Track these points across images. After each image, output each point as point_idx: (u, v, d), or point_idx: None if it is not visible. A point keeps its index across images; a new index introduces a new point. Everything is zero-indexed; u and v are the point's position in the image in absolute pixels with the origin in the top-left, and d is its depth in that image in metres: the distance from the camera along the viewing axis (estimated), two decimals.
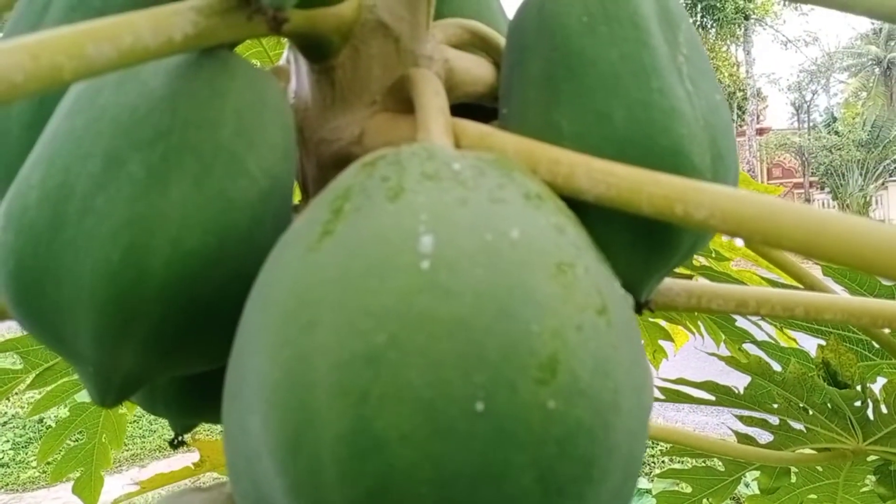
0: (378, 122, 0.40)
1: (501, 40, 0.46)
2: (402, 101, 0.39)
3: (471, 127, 0.36)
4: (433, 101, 0.35)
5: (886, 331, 0.91)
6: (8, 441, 5.87)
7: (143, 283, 0.28)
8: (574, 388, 0.22)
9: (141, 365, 0.30)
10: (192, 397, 0.44)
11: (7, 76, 0.21)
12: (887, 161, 21.86)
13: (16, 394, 1.14)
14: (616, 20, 0.34)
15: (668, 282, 0.44)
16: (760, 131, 23.57)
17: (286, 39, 0.45)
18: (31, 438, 5.87)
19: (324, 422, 0.21)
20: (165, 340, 0.30)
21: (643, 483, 3.90)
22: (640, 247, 0.34)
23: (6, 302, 0.30)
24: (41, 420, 5.99)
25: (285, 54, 0.46)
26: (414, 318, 0.22)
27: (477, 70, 0.46)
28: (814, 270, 0.88)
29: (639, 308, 0.38)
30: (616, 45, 0.34)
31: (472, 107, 0.48)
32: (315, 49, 0.39)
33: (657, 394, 1.18)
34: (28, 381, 1.17)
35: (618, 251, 0.35)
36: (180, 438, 0.52)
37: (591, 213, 0.33)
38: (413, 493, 0.21)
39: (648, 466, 4.69)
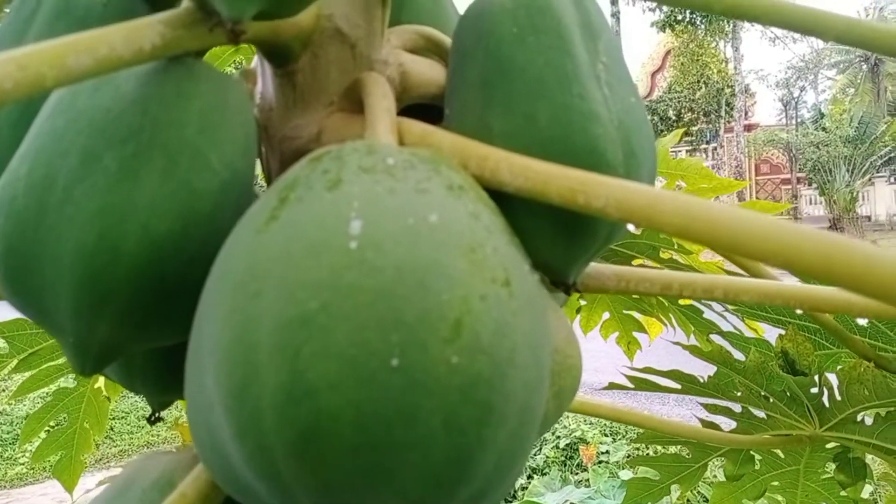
0: (335, 122, 0.44)
1: None
2: (357, 102, 0.43)
3: (414, 126, 0.40)
4: (381, 103, 0.39)
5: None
6: None
7: (116, 262, 0.32)
8: (475, 345, 0.26)
9: (115, 336, 0.35)
10: (167, 374, 0.48)
11: None
12: (874, 157, 22.05)
13: (3, 391, 1.17)
14: (542, 31, 0.38)
15: (600, 266, 0.48)
16: (748, 127, 23.72)
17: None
18: (18, 435, 5.87)
19: (264, 374, 0.26)
20: (137, 313, 0.34)
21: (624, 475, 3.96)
22: (562, 234, 0.39)
23: None
24: (28, 416, 6.00)
25: (255, 58, 0.50)
26: (342, 289, 0.26)
27: (430, 73, 0.50)
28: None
29: (567, 289, 0.43)
30: (542, 53, 0.38)
31: (426, 106, 0.52)
32: (277, 55, 0.43)
33: (626, 382, 1.23)
34: (13, 364, 1.20)
35: (543, 238, 0.39)
36: (157, 415, 0.56)
37: (518, 206, 0.37)
38: (339, 432, 0.25)
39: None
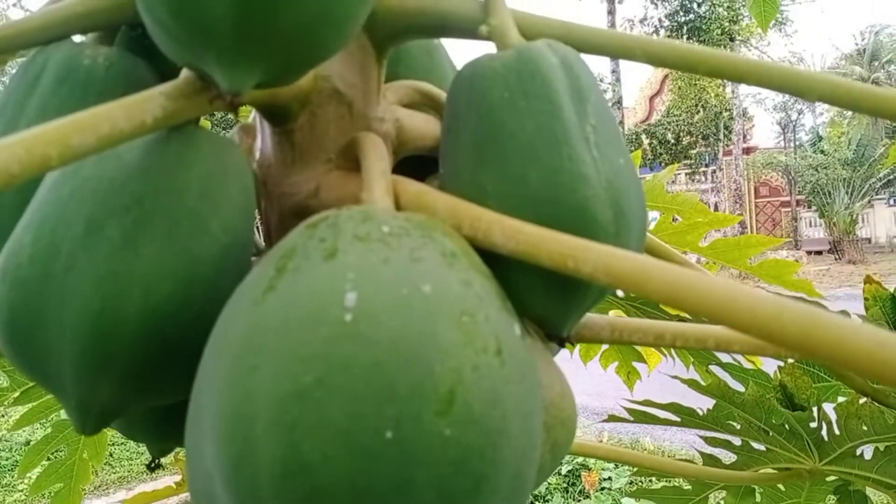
0: (332, 179, 0.45)
1: None
2: (354, 159, 0.44)
3: (409, 186, 0.41)
4: (377, 165, 0.40)
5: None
6: None
7: (118, 328, 0.33)
8: (467, 416, 0.27)
9: (116, 398, 0.35)
10: (166, 424, 0.49)
11: (6, 168, 0.26)
12: (872, 179, 22.12)
13: (2, 416, 1.19)
14: (533, 96, 0.39)
15: (594, 317, 0.49)
16: (747, 150, 23.82)
17: None
18: (17, 462, 5.85)
19: (262, 447, 0.26)
20: (138, 377, 0.35)
21: None
22: (555, 291, 0.40)
23: (0, 343, 0.35)
24: (28, 443, 5.98)
25: (253, 112, 0.52)
26: (337, 362, 0.27)
27: (425, 127, 0.52)
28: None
29: (561, 342, 0.43)
30: (532, 117, 0.39)
31: (423, 157, 0.54)
32: (276, 115, 0.45)
33: (625, 415, 1.23)
34: (14, 397, 1.22)
35: (536, 294, 0.40)
36: (157, 462, 0.57)
37: (512, 263, 0.38)
38: None
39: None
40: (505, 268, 0.37)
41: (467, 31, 0.44)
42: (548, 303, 0.40)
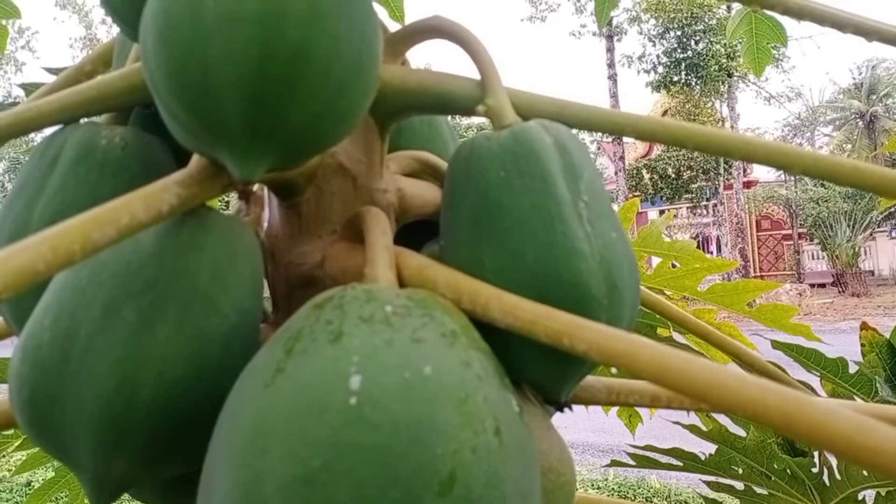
0: (337, 250, 0.47)
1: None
2: (358, 231, 0.46)
3: (411, 259, 0.43)
4: (380, 241, 0.42)
5: None
6: None
7: (133, 408, 0.35)
8: (467, 498, 0.28)
9: (130, 472, 0.37)
10: (172, 487, 0.50)
11: (31, 267, 0.28)
12: (874, 212, 22.17)
13: (3, 456, 1.20)
14: (528, 175, 0.41)
15: (590, 379, 0.50)
16: (748, 184, 23.93)
17: None
18: (18, 502, 5.80)
19: None
20: (151, 452, 0.36)
21: None
22: (553, 359, 0.41)
23: (19, 421, 0.37)
24: (28, 483, 5.93)
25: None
26: (342, 447, 0.28)
27: (427, 194, 0.54)
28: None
29: (559, 407, 0.45)
30: (527, 195, 0.41)
31: (424, 221, 0.55)
32: (283, 189, 0.47)
33: (627, 459, 1.23)
34: (17, 444, 1.23)
35: (534, 362, 0.41)
36: None
37: (510, 333, 0.39)
38: None
39: None
40: (503, 337, 0.39)
41: (465, 108, 0.46)
42: (545, 371, 0.42)
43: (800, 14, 0.66)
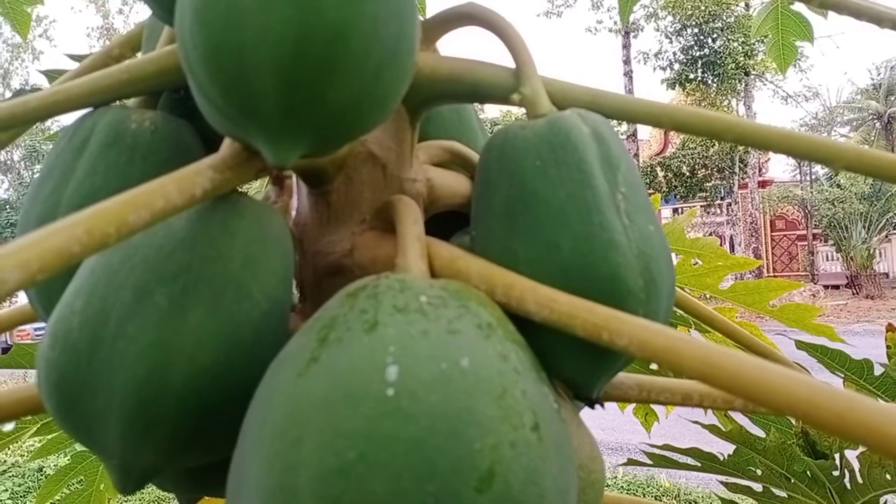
0: (367, 239, 0.46)
1: (477, 157, 0.52)
2: (388, 221, 0.45)
3: (443, 250, 0.42)
4: (411, 230, 0.41)
5: None
6: (7, 490, 5.84)
7: (164, 394, 0.34)
8: (507, 495, 0.28)
9: (158, 460, 0.36)
10: (195, 476, 0.50)
11: (67, 249, 0.27)
12: (890, 214, 21.97)
13: (16, 442, 1.21)
14: (564, 164, 0.40)
15: (621, 376, 0.49)
16: (762, 183, 23.76)
17: None
18: (30, 488, 5.85)
19: None
20: (179, 440, 0.36)
21: None
22: (587, 354, 0.40)
23: (48, 406, 0.36)
24: (41, 469, 5.99)
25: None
26: (379, 438, 0.27)
27: (456, 185, 0.53)
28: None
29: (591, 404, 0.44)
30: (564, 185, 0.40)
31: (453, 213, 0.55)
32: (313, 177, 0.46)
33: (644, 459, 1.22)
34: (34, 429, 1.24)
35: (568, 357, 0.41)
36: None
37: (543, 326, 0.38)
38: None
39: None
40: (536, 331, 0.38)
41: (499, 98, 0.45)
42: (578, 366, 0.41)
43: (836, 7, 0.64)
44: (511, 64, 0.46)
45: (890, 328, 0.99)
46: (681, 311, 0.98)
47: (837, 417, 0.27)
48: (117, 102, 0.47)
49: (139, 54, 0.56)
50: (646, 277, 0.40)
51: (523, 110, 0.44)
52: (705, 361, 0.30)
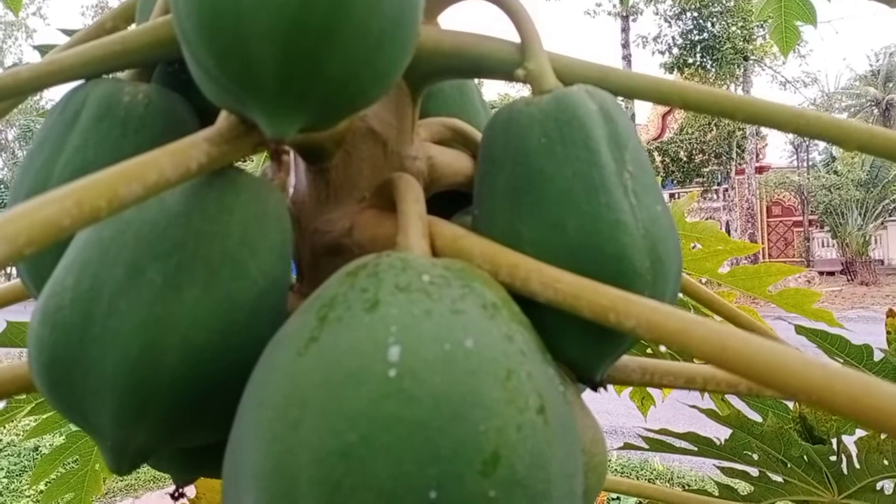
0: (366, 218, 0.45)
1: (479, 135, 0.51)
2: (388, 199, 0.44)
3: (445, 229, 0.41)
4: (413, 208, 0.40)
5: None
6: (2, 469, 5.85)
7: (157, 373, 0.33)
8: (512, 479, 0.27)
9: (152, 440, 0.35)
10: (191, 456, 0.49)
11: (57, 222, 0.26)
12: (886, 201, 21.99)
13: (11, 421, 1.20)
14: (570, 142, 0.39)
15: (625, 359, 0.49)
16: (760, 169, 23.74)
17: None
18: (25, 467, 5.86)
19: None
20: (174, 420, 0.35)
21: None
22: (591, 336, 0.39)
23: (38, 385, 0.35)
24: (36, 448, 6.00)
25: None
26: (381, 420, 0.27)
27: (457, 163, 0.52)
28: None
29: (594, 386, 0.43)
30: (570, 164, 0.39)
31: (453, 192, 0.54)
32: (311, 153, 0.45)
33: (641, 443, 1.22)
34: (29, 408, 1.24)
35: (571, 339, 0.40)
36: (181, 492, 0.56)
37: (546, 308, 0.38)
38: None
39: None
40: (539, 312, 0.37)
41: (503, 73, 0.44)
42: (582, 348, 0.40)
43: None
44: (516, 39, 0.44)
45: (890, 314, 0.99)
46: (679, 294, 0.97)
47: (853, 402, 0.26)
48: (109, 75, 0.46)
49: (132, 27, 0.54)
50: (653, 258, 0.39)
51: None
52: (718, 344, 0.30)
